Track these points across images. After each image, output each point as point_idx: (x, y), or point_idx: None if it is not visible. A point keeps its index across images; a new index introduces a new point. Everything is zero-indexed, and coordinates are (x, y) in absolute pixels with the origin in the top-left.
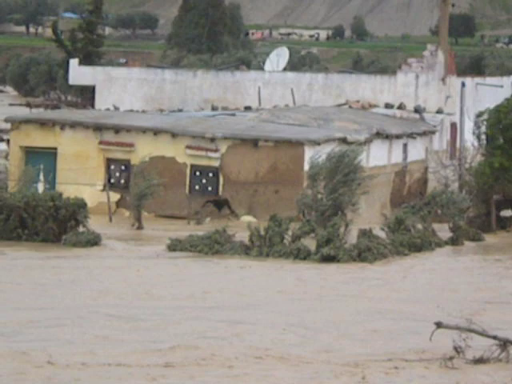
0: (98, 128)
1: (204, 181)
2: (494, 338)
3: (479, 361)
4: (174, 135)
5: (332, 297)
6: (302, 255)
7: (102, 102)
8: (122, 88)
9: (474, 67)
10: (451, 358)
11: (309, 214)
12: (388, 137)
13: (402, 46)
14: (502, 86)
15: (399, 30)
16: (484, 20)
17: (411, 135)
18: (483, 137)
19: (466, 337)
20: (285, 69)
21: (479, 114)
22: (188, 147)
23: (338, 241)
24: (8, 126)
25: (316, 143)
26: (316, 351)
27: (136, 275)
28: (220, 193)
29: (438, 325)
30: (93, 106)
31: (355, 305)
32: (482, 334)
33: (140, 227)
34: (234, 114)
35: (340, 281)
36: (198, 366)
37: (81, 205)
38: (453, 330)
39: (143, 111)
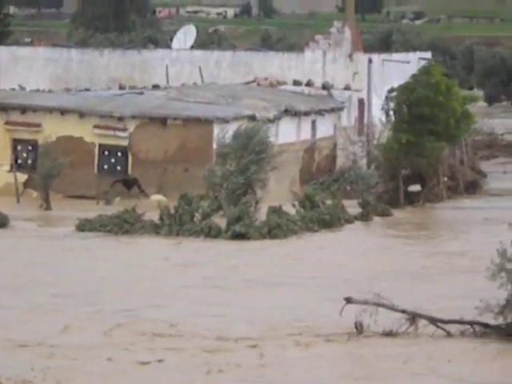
0: (4, 108)
1: (113, 160)
2: (403, 311)
3: (388, 334)
4: (81, 115)
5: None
6: (213, 233)
7: (8, 82)
8: (27, 68)
9: (382, 44)
10: (360, 333)
11: (218, 191)
12: (296, 114)
13: (309, 23)
14: (408, 62)
15: (306, 7)
16: None
17: (319, 112)
18: (391, 113)
19: (374, 312)
20: (192, 47)
21: (390, 90)
22: (96, 127)
23: (248, 218)
24: None
25: (225, 121)
26: (222, 326)
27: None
28: (129, 172)
29: (348, 300)
30: None
31: (265, 280)
32: (391, 308)
33: (48, 208)
34: (141, 93)
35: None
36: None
37: None
38: (363, 305)
39: (50, 91)
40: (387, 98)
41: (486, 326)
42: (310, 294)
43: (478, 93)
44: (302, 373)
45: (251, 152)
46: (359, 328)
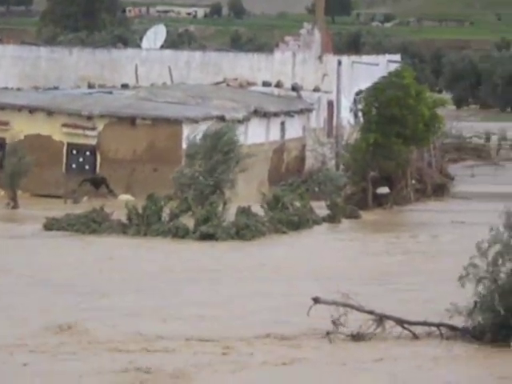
0: None
1: (81, 159)
2: (371, 313)
3: (356, 336)
4: (49, 113)
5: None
6: (180, 233)
7: None
8: None
9: (352, 46)
10: (328, 334)
11: (186, 192)
12: (266, 115)
13: (279, 24)
14: (377, 65)
15: (276, 7)
16: None
17: (289, 113)
18: (360, 114)
19: (344, 312)
20: (162, 46)
21: (359, 92)
22: (64, 125)
23: (216, 219)
24: None
25: (194, 121)
26: (201, 328)
27: None
28: (97, 171)
29: (316, 300)
30: None
31: (235, 283)
32: (359, 309)
33: (15, 206)
34: (111, 92)
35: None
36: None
37: None
38: (333, 306)
39: (18, 89)
40: (356, 100)
41: (452, 328)
42: (279, 295)
43: (447, 96)
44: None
45: (219, 152)
46: (336, 327)
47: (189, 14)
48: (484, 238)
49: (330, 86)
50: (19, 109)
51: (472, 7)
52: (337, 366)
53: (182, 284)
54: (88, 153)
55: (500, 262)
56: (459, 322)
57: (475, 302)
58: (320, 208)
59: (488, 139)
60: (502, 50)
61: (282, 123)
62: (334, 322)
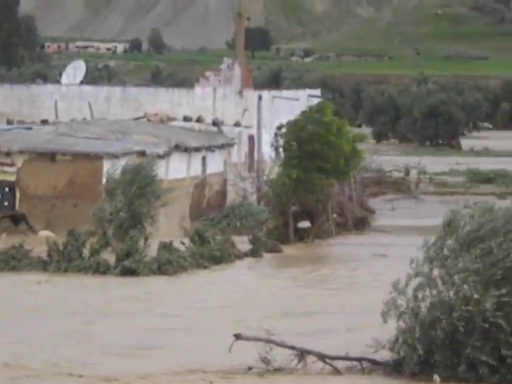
0: None
1: (0, 196)
2: (292, 348)
3: (278, 371)
4: None
5: (124, 312)
6: (101, 269)
7: None
8: None
9: (272, 80)
10: (250, 369)
11: (107, 227)
12: (187, 150)
13: (199, 59)
14: (297, 99)
15: (196, 43)
16: (279, 34)
17: (210, 148)
18: (281, 149)
19: (269, 348)
20: (82, 82)
21: (279, 127)
22: None
23: (137, 254)
24: None
25: (114, 156)
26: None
27: None
28: (17, 207)
29: (237, 337)
30: None
31: (151, 320)
32: (281, 344)
33: None
34: (30, 128)
35: (127, 296)
36: None
37: None
38: (254, 342)
39: None
40: (276, 135)
41: (373, 362)
42: (201, 332)
43: (367, 130)
44: None
45: (137, 186)
46: (266, 363)
47: (108, 49)
48: (404, 272)
49: (251, 120)
50: None
51: (391, 42)
52: None
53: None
54: (7, 189)
55: (420, 296)
56: (382, 355)
57: (396, 336)
58: (242, 243)
59: (407, 173)
60: (420, 85)
61: (204, 158)
62: (262, 360)
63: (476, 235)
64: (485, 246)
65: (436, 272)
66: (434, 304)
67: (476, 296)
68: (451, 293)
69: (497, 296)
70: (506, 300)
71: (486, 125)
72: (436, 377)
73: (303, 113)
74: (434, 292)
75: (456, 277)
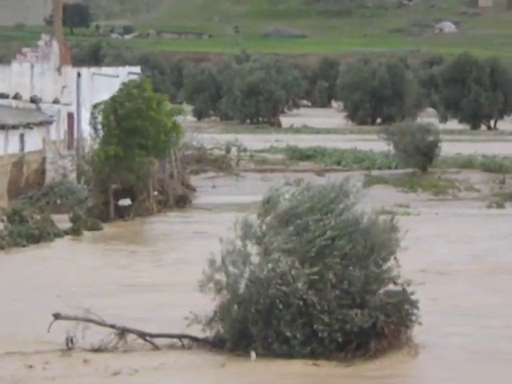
0: None
1: None
2: (112, 326)
3: (98, 350)
4: None
5: None
6: None
7: None
8: None
9: (92, 57)
10: (70, 349)
11: None
12: (4, 127)
13: (16, 35)
14: (117, 76)
15: (13, 18)
16: (98, 10)
17: (28, 125)
18: (99, 126)
19: (85, 327)
20: None
21: (96, 105)
22: None
23: None
24: None
25: None
26: None
27: None
28: None
29: (56, 316)
30: None
31: None
32: (101, 323)
33: None
34: None
35: None
36: None
37: None
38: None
39: None
40: (93, 113)
41: (194, 339)
42: (20, 312)
43: (188, 108)
44: None
45: None
46: (69, 344)
47: None
48: (220, 249)
49: (70, 97)
50: None
51: (210, 20)
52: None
53: None
54: None
55: (238, 272)
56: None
57: (215, 312)
58: (62, 221)
59: (228, 151)
60: (241, 63)
61: (21, 136)
62: (68, 340)
63: (294, 212)
64: (301, 223)
65: (255, 249)
66: (252, 280)
67: (290, 274)
68: (268, 270)
69: (308, 274)
70: (317, 278)
71: (305, 102)
72: (253, 353)
73: (121, 89)
74: (252, 269)
75: (273, 254)
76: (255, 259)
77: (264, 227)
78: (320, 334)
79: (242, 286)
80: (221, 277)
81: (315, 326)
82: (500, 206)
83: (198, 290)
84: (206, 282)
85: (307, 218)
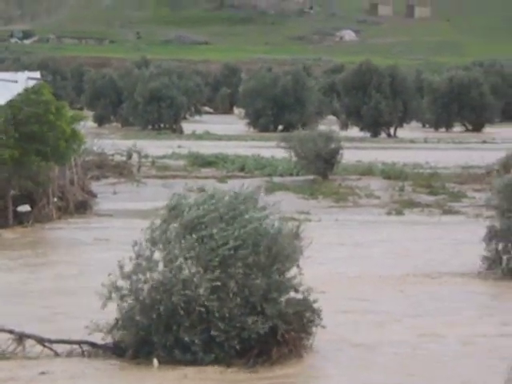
0: None
1: None
2: (11, 332)
3: None
4: None
5: None
6: None
7: None
8: None
9: None
10: None
11: None
12: None
13: None
14: (16, 81)
15: None
16: None
17: None
18: None
19: None
20: None
21: None
22: None
23: None
24: None
25: None
26: None
27: None
28: None
29: None
30: None
31: None
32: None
33: None
34: None
35: None
36: None
37: None
38: None
39: None
40: None
41: (93, 345)
42: None
43: (88, 113)
44: None
45: None
46: None
47: None
48: (126, 255)
49: None
50: None
51: (111, 26)
52: None
53: None
54: None
55: (142, 278)
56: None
57: (116, 319)
58: None
59: (130, 157)
60: (141, 69)
61: None
62: None
63: (200, 221)
64: (206, 232)
65: (158, 255)
66: (154, 286)
67: (193, 280)
68: (171, 276)
69: (210, 280)
70: (220, 285)
71: (207, 109)
72: (155, 361)
73: (20, 94)
74: (155, 275)
75: (176, 260)
76: (160, 265)
77: (169, 233)
78: (218, 340)
79: (145, 292)
80: (125, 283)
81: (212, 332)
82: (399, 212)
83: (99, 297)
84: (109, 288)
85: (212, 227)
